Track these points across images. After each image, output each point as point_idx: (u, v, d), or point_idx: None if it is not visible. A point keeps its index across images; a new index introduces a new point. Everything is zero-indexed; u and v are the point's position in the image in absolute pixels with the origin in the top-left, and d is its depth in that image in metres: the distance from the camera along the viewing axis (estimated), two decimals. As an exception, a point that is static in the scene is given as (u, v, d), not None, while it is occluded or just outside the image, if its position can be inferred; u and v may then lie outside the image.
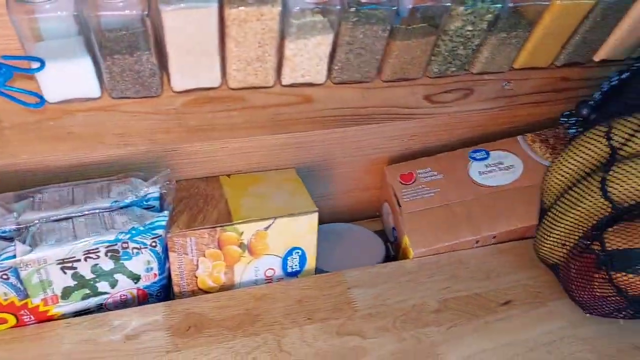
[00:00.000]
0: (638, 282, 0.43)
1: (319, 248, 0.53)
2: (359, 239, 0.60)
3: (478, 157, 0.58)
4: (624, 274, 0.44)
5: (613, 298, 0.46)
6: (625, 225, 0.44)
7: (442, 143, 0.59)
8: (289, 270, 0.53)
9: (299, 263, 0.53)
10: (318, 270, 0.54)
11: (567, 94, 0.54)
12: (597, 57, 0.49)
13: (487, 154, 0.58)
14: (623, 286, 0.44)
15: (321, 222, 0.60)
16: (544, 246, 0.51)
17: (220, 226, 0.48)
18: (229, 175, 0.54)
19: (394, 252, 0.59)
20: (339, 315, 0.48)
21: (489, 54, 0.45)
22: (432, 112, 0.53)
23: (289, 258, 0.52)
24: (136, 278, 0.48)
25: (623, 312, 0.47)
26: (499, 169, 0.57)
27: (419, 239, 0.54)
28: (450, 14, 0.41)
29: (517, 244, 0.55)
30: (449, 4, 0.40)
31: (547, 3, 0.41)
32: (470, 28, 0.42)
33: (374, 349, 0.46)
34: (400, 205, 0.56)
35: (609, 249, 0.44)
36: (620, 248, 0.44)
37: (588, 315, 0.49)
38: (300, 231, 0.51)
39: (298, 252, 0.52)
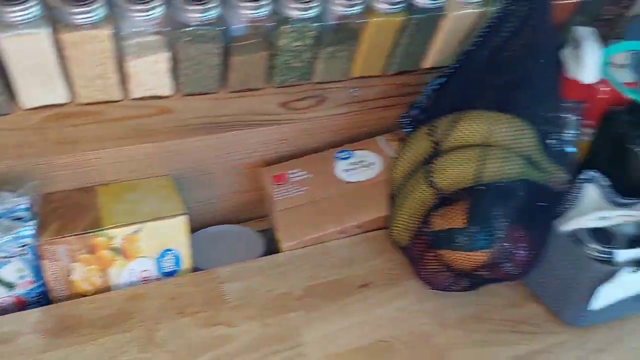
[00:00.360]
0: (458, 258, 0.50)
1: (200, 249, 0.57)
2: (239, 238, 0.64)
3: (342, 157, 0.64)
4: (447, 251, 0.51)
5: (444, 273, 0.52)
6: (447, 209, 0.51)
7: (312, 146, 0.65)
8: (165, 270, 0.56)
9: (174, 264, 0.56)
10: (197, 270, 0.58)
11: (411, 97, 0.60)
12: (425, 65, 0.56)
13: (350, 153, 0.64)
14: (449, 262, 0.51)
15: (207, 225, 0.65)
16: (393, 232, 0.57)
17: (90, 232, 0.51)
18: (106, 185, 0.57)
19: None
20: (209, 308, 0.52)
21: (323, 66, 0.51)
22: (291, 118, 0.59)
23: (162, 259, 0.55)
24: (10, 286, 0.50)
25: (458, 285, 0.54)
26: (361, 167, 0.63)
27: (288, 234, 0.59)
28: (277, 32, 0.46)
29: (380, 232, 0.61)
30: (273, 23, 0.45)
31: (364, 21, 0.48)
32: (297, 43, 0.47)
33: (239, 336, 0.50)
34: (273, 204, 0.61)
35: (435, 230, 0.51)
36: (443, 229, 0.50)
37: (433, 291, 0.56)
38: (172, 233, 0.55)
39: (172, 254, 0.56)
